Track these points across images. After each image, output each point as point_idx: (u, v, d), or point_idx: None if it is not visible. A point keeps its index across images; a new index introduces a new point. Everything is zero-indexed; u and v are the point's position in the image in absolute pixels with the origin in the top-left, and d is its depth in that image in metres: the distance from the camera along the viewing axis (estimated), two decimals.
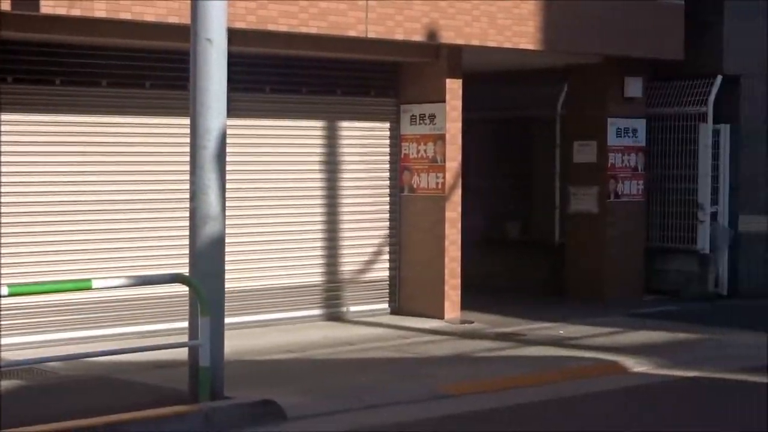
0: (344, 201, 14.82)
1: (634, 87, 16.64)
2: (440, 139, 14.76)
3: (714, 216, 17.00)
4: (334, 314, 14.72)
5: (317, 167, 14.65)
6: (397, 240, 15.19)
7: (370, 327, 14.25)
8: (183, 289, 10.26)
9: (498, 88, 18.19)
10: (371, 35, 13.58)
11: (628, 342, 13.41)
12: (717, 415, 10.31)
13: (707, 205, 16.86)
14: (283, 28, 12.95)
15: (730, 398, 10.99)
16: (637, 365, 12.15)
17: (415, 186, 15.03)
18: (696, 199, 16.94)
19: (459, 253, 14.84)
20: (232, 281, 12.60)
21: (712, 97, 16.83)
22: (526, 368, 11.85)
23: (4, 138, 12.17)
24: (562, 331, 14.07)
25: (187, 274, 9.90)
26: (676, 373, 11.91)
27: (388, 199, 15.19)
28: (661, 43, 16.33)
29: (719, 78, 16.88)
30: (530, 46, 14.90)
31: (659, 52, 16.38)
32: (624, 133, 16.75)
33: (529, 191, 18.60)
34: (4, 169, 12.19)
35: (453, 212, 14.76)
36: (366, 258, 15.03)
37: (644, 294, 17.00)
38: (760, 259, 17.21)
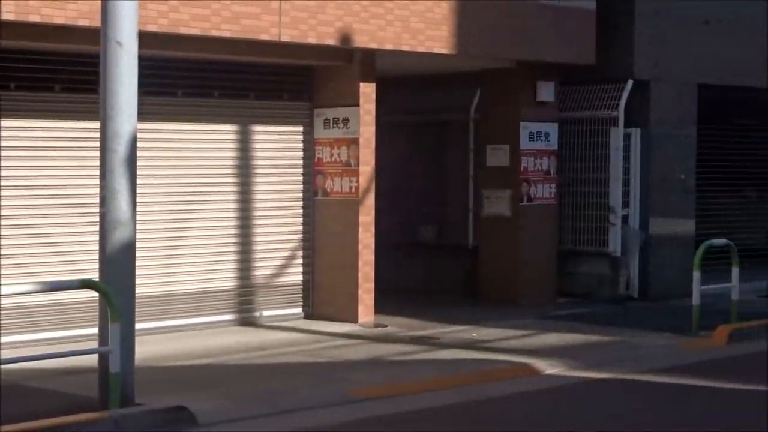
0: (257, 205, 14.76)
1: (546, 91, 16.76)
2: (354, 143, 14.76)
3: (625, 219, 17.18)
4: (247, 319, 14.65)
5: (230, 171, 14.57)
6: (310, 244, 15.16)
7: (284, 332, 14.20)
8: (94, 295, 10.14)
9: (413, 92, 18.23)
10: (284, 39, 13.55)
11: (541, 344, 13.50)
12: (628, 416, 10.41)
13: (618, 208, 17.04)
14: (195, 32, 12.86)
15: (641, 399, 11.11)
16: (549, 367, 12.24)
17: (328, 190, 15.01)
18: (608, 202, 17.11)
19: (373, 257, 14.85)
20: (143, 286, 12.49)
21: (623, 102, 17.01)
22: (439, 371, 11.88)
23: None
24: (475, 334, 14.13)
25: (97, 280, 9.79)
26: (588, 375, 12.02)
27: (301, 203, 15.15)
28: (572, 48, 16.47)
29: (630, 82, 17.07)
30: (444, 51, 14.95)
31: (571, 57, 16.52)
32: (536, 137, 16.87)
33: (444, 195, 18.66)
34: None
35: (367, 216, 14.77)
36: (279, 262, 14.98)
37: (557, 297, 17.12)
38: (671, 262, 17.41)
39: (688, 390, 11.51)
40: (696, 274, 14.36)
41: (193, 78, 14.19)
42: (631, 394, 11.36)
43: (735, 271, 14.85)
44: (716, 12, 18.12)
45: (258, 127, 14.76)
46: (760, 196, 21.36)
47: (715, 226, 18.80)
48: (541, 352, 12.90)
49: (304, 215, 15.17)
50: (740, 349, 13.67)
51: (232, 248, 14.58)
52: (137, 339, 9.98)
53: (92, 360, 10.12)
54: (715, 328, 14.20)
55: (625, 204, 17.19)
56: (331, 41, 13.94)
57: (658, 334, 14.24)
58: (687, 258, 16.36)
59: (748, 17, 18.51)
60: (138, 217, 10.13)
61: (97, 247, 9.90)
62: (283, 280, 15.02)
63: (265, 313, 14.80)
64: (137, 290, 10.04)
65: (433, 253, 18.33)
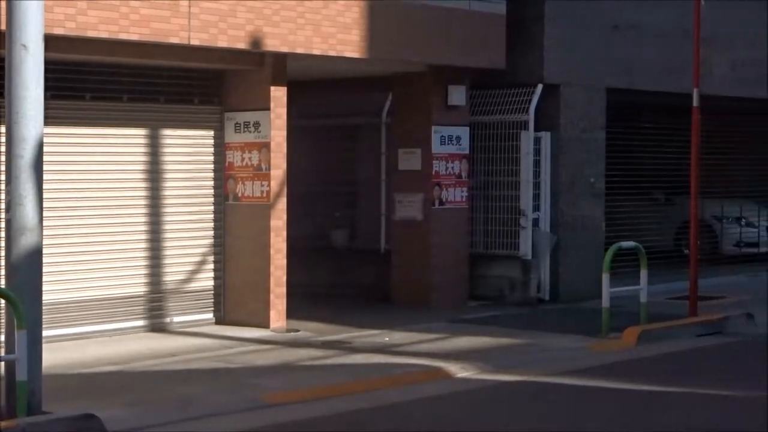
0: (168, 210, 14.64)
1: (457, 95, 16.83)
2: (265, 147, 14.70)
3: (536, 222, 17.30)
4: (157, 325, 14.52)
5: (140, 176, 14.44)
6: (222, 249, 15.07)
7: (195, 337, 14.10)
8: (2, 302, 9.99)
9: (325, 96, 18.23)
10: (194, 42, 13.46)
11: (453, 348, 13.55)
12: (539, 418, 10.48)
13: (529, 211, 17.15)
14: (103, 35, 12.74)
15: (552, 401, 11.19)
16: (461, 370, 12.29)
17: (239, 194, 14.93)
18: (519, 205, 17.22)
19: (285, 262, 14.80)
20: (51, 293, 12.35)
21: (533, 106, 17.13)
22: (351, 376, 11.88)
23: None
24: (387, 338, 14.14)
25: (3, 287, 9.64)
26: (500, 378, 12.08)
27: (212, 207, 15.06)
28: (483, 53, 16.56)
29: (540, 87, 17.19)
30: (355, 55, 14.95)
31: (482, 61, 16.60)
32: (448, 140, 16.93)
33: (356, 199, 18.67)
34: None
35: (278, 220, 14.71)
36: (190, 267, 14.87)
37: (469, 300, 17.20)
38: (581, 264, 17.56)
39: (597, 391, 11.62)
40: (605, 277, 14.50)
41: (102, 82, 14.06)
42: (540, 396, 11.43)
43: (643, 274, 15.02)
44: (625, 17, 18.33)
45: (168, 131, 14.65)
46: (667, 198, 21.66)
47: (625, 228, 19.00)
48: (452, 356, 12.95)
49: (215, 220, 15.08)
50: (649, 350, 13.83)
51: (143, 254, 14.45)
52: (46, 346, 9.86)
53: None
54: (624, 329, 14.34)
55: (536, 207, 17.31)
56: (241, 45, 13.88)
57: (569, 336, 14.35)
58: (597, 260, 16.51)
59: (656, 22, 18.74)
60: (45, 223, 10.01)
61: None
62: (194, 285, 14.91)
63: (176, 318, 14.68)
64: (45, 297, 9.91)
65: (346, 258, 18.33)
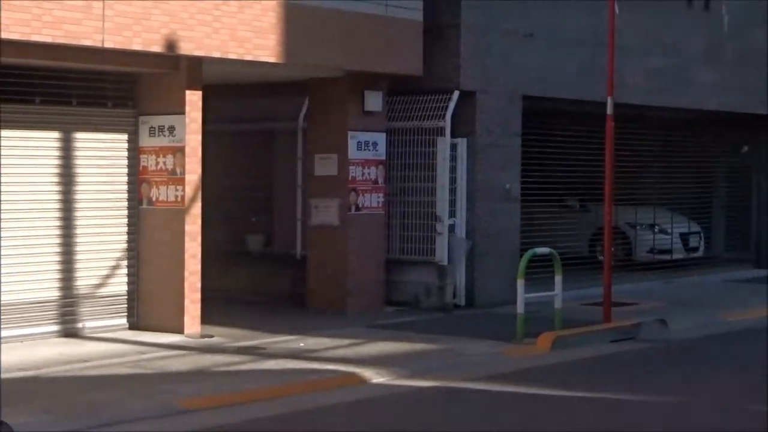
0: (80, 214, 14.47)
1: (374, 101, 16.84)
2: (179, 151, 14.58)
3: (452, 228, 17.35)
4: (70, 330, 14.34)
5: (52, 180, 14.25)
6: (135, 254, 14.92)
7: (108, 343, 13.94)
8: None
9: (241, 100, 18.16)
10: (108, 45, 13.32)
11: (368, 353, 13.54)
12: (453, 423, 10.49)
13: (445, 217, 17.20)
14: (15, 36, 12.56)
15: (466, 406, 11.22)
16: (376, 376, 12.28)
17: (154, 199, 14.80)
18: (435, 211, 17.26)
19: (199, 267, 14.68)
20: None
21: (449, 112, 17.20)
22: (265, 382, 11.81)
23: None
24: (302, 344, 14.09)
25: None
26: (415, 383, 12.10)
27: (126, 212, 14.90)
28: (400, 59, 16.59)
29: (457, 93, 17.27)
30: (271, 59, 14.90)
31: (398, 68, 16.63)
32: (364, 146, 16.93)
33: (272, 204, 18.61)
34: None
35: (193, 225, 14.60)
36: (103, 272, 14.70)
37: (385, 305, 17.20)
38: (496, 270, 17.64)
39: (511, 397, 11.67)
40: (520, 282, 14.57)
41: (14, 84, 13.85)
42: (454, 401, 11.46)
43: (558, 280, 15.13)
44: (541, 25, 18.47)
45: (81, 135, 14.47)
46: (582, 205, 21.85)
47: (540, 234, 19.13)
48: (368, 361, 12.94)
49: (129, 224, 14.92)
50: (563, 356, 13.93)
51: (55, 258, 14.27)
52: None
53: None
54: (539, 335, 14.42)
55: (452, 213, 17.36)
56: (156, 48, 13.76)
57: (484, 341, 14.40)
58: (512, 266, 16.59)
59: (570, 31, 18.90)
60: None
61: None
62: (108, 290, 14.75)
63: (89, 324, 14.51)
64: None
65: (261, 263, 18.27)
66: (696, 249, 23.12)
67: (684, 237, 22.80)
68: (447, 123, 17.21)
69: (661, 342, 15.19)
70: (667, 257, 22.37)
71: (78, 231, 14.45)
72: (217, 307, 15.87)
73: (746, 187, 24.01)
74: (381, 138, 17.15)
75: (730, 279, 22.10)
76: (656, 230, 22.39)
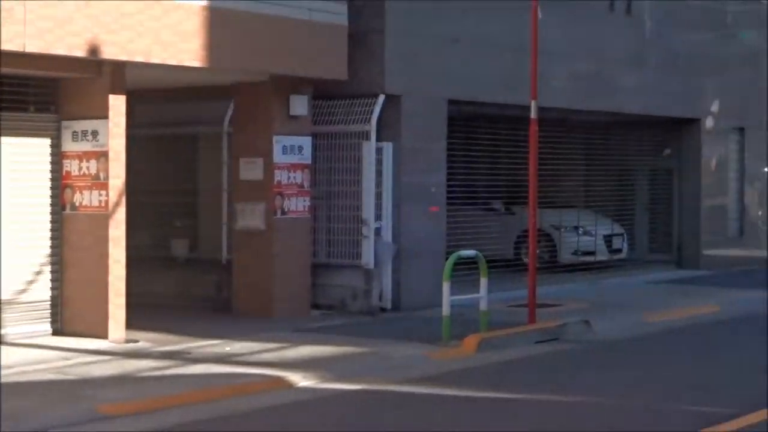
0: (2, 219, 14.31)
1: (299, 105, 16.83)
2: (103, 156, 14.49)
3: (378, 231, 17.39)
4: None
5: None
6: (59, 259, 14.79)
7: (31, 349, 13.80)
8: None
9: (166, 105, 18.08)
10: (30, 49, 13.21)
11: (295, 357, 13.53)
12: (378, 426, 10.52)
13: (371, 220, 17.23)
14: None
15: (392, 409, 11.25)
16: (303, 380, 12.29)
17: (77, 204, 14.68)
18: (361, 215, 17.29)
19: (124, 272, 14.58)
20: None
21: (375, 116, 17.24)
22: (191, 386, 11.76)
23: None
24: (228, 348, 14.05)
25: None
26: (341, 386, 12.12)
27: (49, 217, 14.77)
28: (325, 63, 16.60)
29: (382, 97, 17.31)
30: (195, 64, 14.84)
31: (324, 72, 16.64)
32: (290, 150, 16.91)
33: (197, 208, 18.54)
34: None
35: (117, 230, 14.49)
36: (26, 278, 14.56)
37: (311, 310, 17.19)
38: (422, 273, 17.70)
39: (436, 399, 11.72)
40: (446, 285, 14.64)
41: None
42: (380, 404, 11.49)
43: (483, 282, 15.22)
44: (465, 30, 18.56)
45: (3, 140, 14.32)
46: (507, 208, 22.00)
47: (466, 237, 19.23)
48: (294, 365, 12.93)
49: (52, 230, 14.79)
50: (489, 357, 14.02)
51: None
52: None
53: None
54: (464, 337, 14.50)
55: (378, 217, 17.40)
56: (79, 53, 13.66)
57: (410, 344, 14.45)
58: (438, 269, 16.65)
59: (495, 35, 19.02)
60: None
61: None
62: (31, 296, 14.60)
63: (12, 330, 14.36)
64: None
65: (186, 268, 18.19)
66: (619, 250, 23.38)
67: (608, 239, 23.03)
68: (372, 127, 17.25)
69: (585, 343, 15.33)
70: (591, 259, 22.60)
71: (0, 236, 14.30)
72: (142, 312, 15.78)
73: (668, 189, 24.32)
74: (307, 142, 17.14)
75: (652, 280, 22.36)
76: (580, 232, 22.60)
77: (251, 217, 16.90)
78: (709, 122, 24.10)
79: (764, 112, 26.15)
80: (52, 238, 14.79)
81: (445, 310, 14.60)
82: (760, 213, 26.05)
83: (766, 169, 26.16)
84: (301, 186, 17.07)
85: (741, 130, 25.31)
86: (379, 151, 17.42)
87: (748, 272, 23.99)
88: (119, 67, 14.48)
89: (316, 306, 17.33)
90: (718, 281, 22.10)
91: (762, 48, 25.75)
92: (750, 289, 20.97)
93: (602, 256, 22.87)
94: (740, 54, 25.01)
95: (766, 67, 26.08)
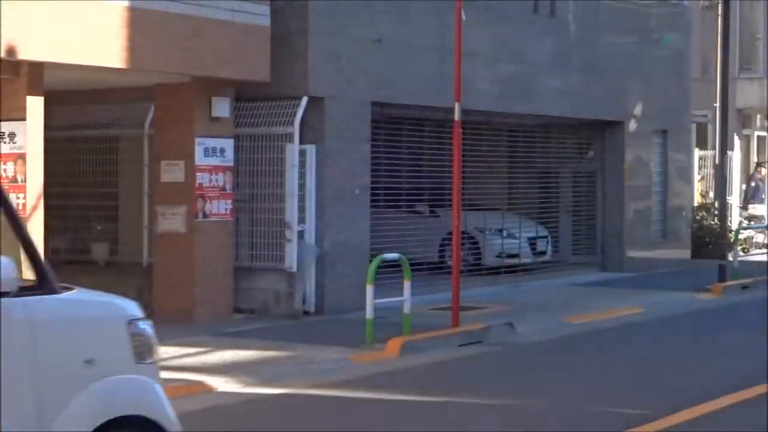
0: None
1: (221, 107, 16.68)
2: (21, 158, 14.25)
3: (301, 234, 17.28)
4: None
5: None
6: None
7: None
8: None
9: (86, 106, 17.87)
10: None
11: (216, 361, 13.40)
12: (300, 430, 10.44)
13: (294, 223, 17.12)
14: None
15: (314, 412, 11.18)
16: (224, 384, 12.18)
17: None
18: (284, 218, 17.17)
19: None
20: None
21: (298, 118, 17.13)
22: None
23: None
24: None
25: None
26: (263, 391, 12.03)
27: None
28: (248, 65, 16.46)
29: (305, 99, 17.21)
30: (114, 65, 14.65)
31: (246, 74, 16.50)
32: (212, 152, 16.75)
33: (118, 211, 18.32)
34: None
35: (35, 234, 14.25)
36: None
37: (234, 313, 17.05)
38: (346, 276, 17.63)
39: (358, 402, 11.67)
40: (369, 288, 14.58)
41: None
42: (301, 408, 11.42)
43: (407, 285, 15.18)
44: (389, 32, 18.51)
45: None
46: (432, 210, 21.98)
47: (390, 240, 19.16)
48: (215, 369, 12.81)
49: None
50: (412, 360, 13.98)
51: None
52: None
53: None
54: (387, 340, 14.44)
55: (301, 220, 17.30)
56: None
57: (333, 348, 14.36)
58: (362, 272, 16.57)
59: (418, 37, 18.99)
60: None
61: None
62: None
63: None
64: None
65: (107, 271, 17.97)
66: (543, 253, 23.45)
67: (532, 241, 23.09)
68: (295, 129, 17.14)
69: (509, 345, 15.35)
70: (515, 261, 22.65)
71: None
72: None
73: (592, 191, 24.44)
74: (229, 144, 16.99)
75: (576, 283, 22.46)
76: (505, 235, 22.62)
77: (172, 220, 16.72)
78: (632, 125, 24.27)
79: (687, 115, 26.40)
80: None
81: (369, 313, 14.52)
82: (683, 214, 26.29)
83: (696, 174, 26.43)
84: (223, 189, 16.91)
85: (664, 132, 25.50)
86: (302, 153, 17.31)
87: (671, 274, 24.19)
88: (37, 67, 14.24)
89: (238, 310, 17.18)
90: (641, 283, 22.25)
91: (685, 51, 26.00)
92: (673, 291, 21.14)
93: (526, 258, 22.92)
94: (663, 57, 25.21)
95: (688, 70, 26.34)
